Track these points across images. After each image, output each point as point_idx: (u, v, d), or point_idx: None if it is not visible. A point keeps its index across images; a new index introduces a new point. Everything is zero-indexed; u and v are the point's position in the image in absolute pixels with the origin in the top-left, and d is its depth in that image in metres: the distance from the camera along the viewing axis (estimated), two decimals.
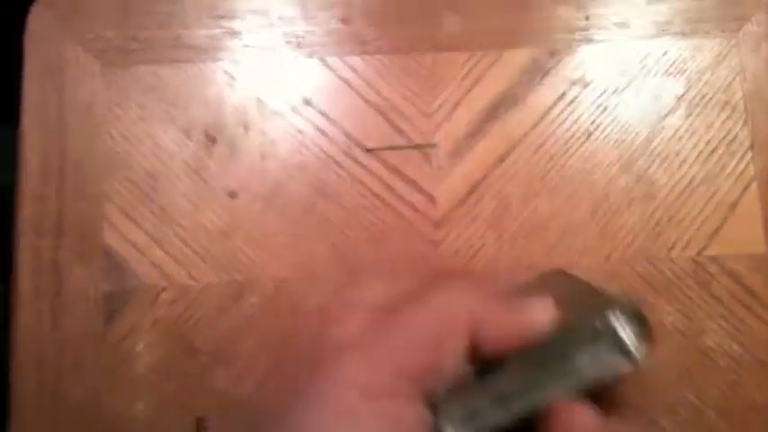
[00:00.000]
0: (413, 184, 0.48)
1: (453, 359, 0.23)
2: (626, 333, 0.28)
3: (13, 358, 0.44)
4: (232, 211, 0.47)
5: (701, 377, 0.46)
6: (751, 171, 0.48)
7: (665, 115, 0.49)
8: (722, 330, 0.47)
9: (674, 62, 0.50)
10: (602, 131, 0.49)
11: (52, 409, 0.44)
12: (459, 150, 0.48)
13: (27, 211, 0.46)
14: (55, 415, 0.44)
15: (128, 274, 0.46)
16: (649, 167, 0.48)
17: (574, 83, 0.49)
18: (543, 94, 0.49)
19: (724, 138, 0.49)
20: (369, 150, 0.47)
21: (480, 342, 0.24)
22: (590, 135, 0.49)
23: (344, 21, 0.50)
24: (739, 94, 0.49)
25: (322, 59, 0.49)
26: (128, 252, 0.46)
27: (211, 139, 0.47)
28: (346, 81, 0.49)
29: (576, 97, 0.49)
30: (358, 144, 0.48)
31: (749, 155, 0.49)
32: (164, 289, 0.46)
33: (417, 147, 0.48)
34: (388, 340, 0.23)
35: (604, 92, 0.49)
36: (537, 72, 0.49)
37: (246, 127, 0.48)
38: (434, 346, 0.23)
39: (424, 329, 0.23)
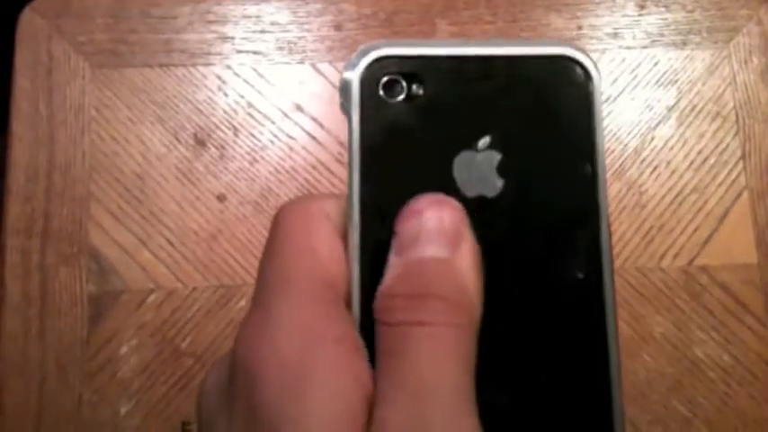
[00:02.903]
0: None
1: (329, 248, 0.21)
2: None
3: None
4: (220, 215, 0.47)
5: (691, 388, 0.46)
6: (742, 181, 0.48)
7: (657, 125, 0.49)
8: (713, 341, 0.46)
9: (665, 72, 0.50)
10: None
11: (36, 412, 0.43)
12: None
13: (14, 212, 0.46)
14: (39, 418, 0.43)
15: (114, 276, 0.45)
16: (640, 177, 0.48)
17: None
18: None
19: (715, 148, 0.49)
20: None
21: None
22: None
23: (337, 27, 0.50)
24: (730, 105, 0.50)
25: (314, 65, 0.49)
26: (115, 254, 0.46)
27: (201, 143, 0.47)
28: (338, 87, 0.49)
29: None
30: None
31: (740, 165, 0.49)
32: (150, 292, 0.45)
33: None
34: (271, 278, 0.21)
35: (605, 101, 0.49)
36: None
37: (236, 131, 0.48)
38: (306, 249, 0.21)
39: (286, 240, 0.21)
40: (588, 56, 0.22)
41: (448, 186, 0.21)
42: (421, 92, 0.21)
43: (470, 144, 0.21)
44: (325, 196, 0.22)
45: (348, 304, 0.21)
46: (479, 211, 0.21)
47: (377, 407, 0.18)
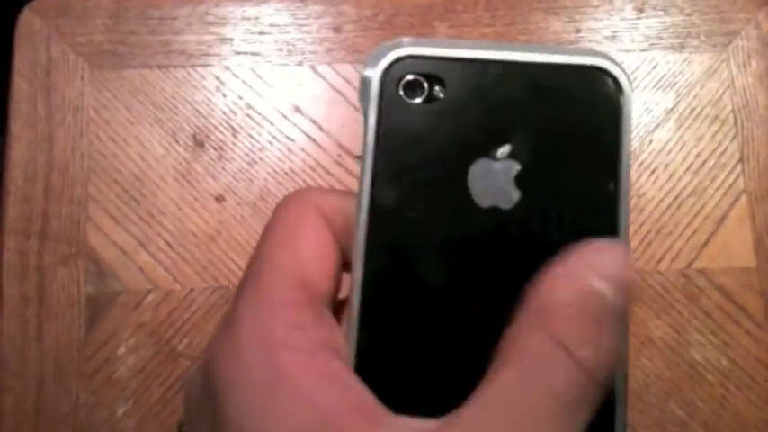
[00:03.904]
0: None
1: (317, 247, 0.21)
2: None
3: None
4: (219, 216, 0.47)
5: (689, 392, 0.46)
6: (740, 184, 0.48)
7: (655, 128, 0.49)
8: (711, 345, 0.46)
9: (663, 76, 0.50)
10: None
11: (34, 412, 0.43)
12: None
13: (12, 213, 0.46)
14: (36, 419, 0.43)
15: (112, 277, 0.45)
16: (638, 180, 0.48)
17: None
18: None
19: (714, 151, 0.49)
20: (358, 158, 0.47)
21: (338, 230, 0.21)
22: None
23: (336, 29, 0.50)
24: (729, 108, 0.50)
25: (313, 67, 0.49)
26: (113, 255, 0.46)
27: (199, 144, 0.47)
28: (337, 89, 0.49)
29: None
30: (347, 152, 0.48)
31: (738, 168, 0.49)
32: (148, 293, 0.45)
33: None
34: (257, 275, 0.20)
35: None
36: None
37: (235, 132, 0.48)
38: (292, 245, 0.20)
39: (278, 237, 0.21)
40: (621, 68, 0.21)
41: (461, 194, 0.20)
42: (442, 94, 0.21)
43: (489, 152, 0.21)
44: (325, 192, 0.22)
45: (333, 302, 0.21)
46: (491, 223, 0.20)
47: (469, 405, 0.17)
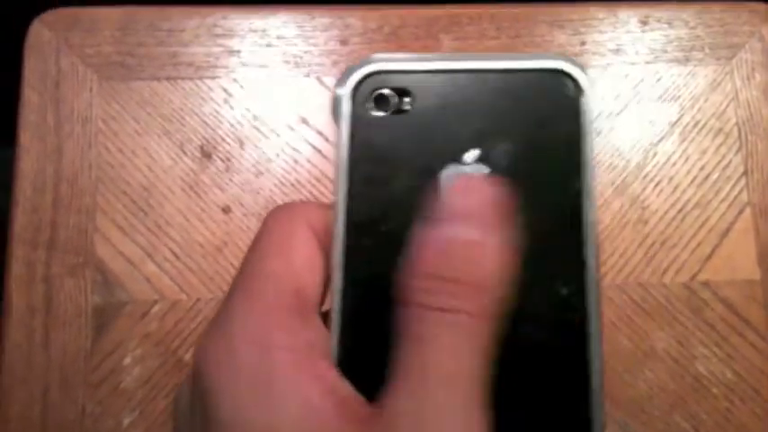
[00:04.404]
0: None
1: (308, 257, 0.22)
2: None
3: (1, 373, 0.44)
4: (225, 227, 0.47)
5: (693, 404, 0.46)
6: (744, 197, 0.49)
7: (659, 140, 0.49)
8: (715, 357, 0.46)
9: (667, 88, 0.50)
10: (596, 155, 0.49)
11: (40, 422, 0.43)
12: None
13: (21, 223, 0.46)
14: (42, 428, 0.43)
15: (119, 287, 0.46)
16: (642, 192, 0.49)
17: None
18: None
19: (718, 164, 0.49)
20: None
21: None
22: None
23: (342, 41, 0.50)
24: (733, 121, 0.50)
25: (319, 79, 0.50)
26: (120, 265, 0.46)
27: (207, 155, 0.48)
28: None
29: None
30: None
31: (743, 181, 0.49)
32: (155, 303, 0.45)
33: None
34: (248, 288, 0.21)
35: (599, 116, 0.50)
36: None
37: (242, 143, 0.48)
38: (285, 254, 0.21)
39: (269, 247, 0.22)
40: (581, 68, 0.21)
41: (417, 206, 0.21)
42: (410, 106, 0.22)
43: (458, 158, 0.21)
44: (311, 205, 0.23)
45: (320, 308, 0.22)
46: None
47: (389, 394, 0.19)
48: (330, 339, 0.21)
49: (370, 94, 0.22)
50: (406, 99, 0.22)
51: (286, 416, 0.19)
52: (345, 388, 0.20)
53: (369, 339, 0.21)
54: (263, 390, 0.19)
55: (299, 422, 0.18)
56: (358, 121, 0.22)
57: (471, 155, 0.21)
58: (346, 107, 0.22)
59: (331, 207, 0.22)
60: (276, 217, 0.22)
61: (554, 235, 0.21)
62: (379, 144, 0.22)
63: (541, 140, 0.21)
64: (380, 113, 0.22)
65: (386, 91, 0.22)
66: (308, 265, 0.21)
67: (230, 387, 0.19)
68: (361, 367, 0.21)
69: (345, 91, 0.22)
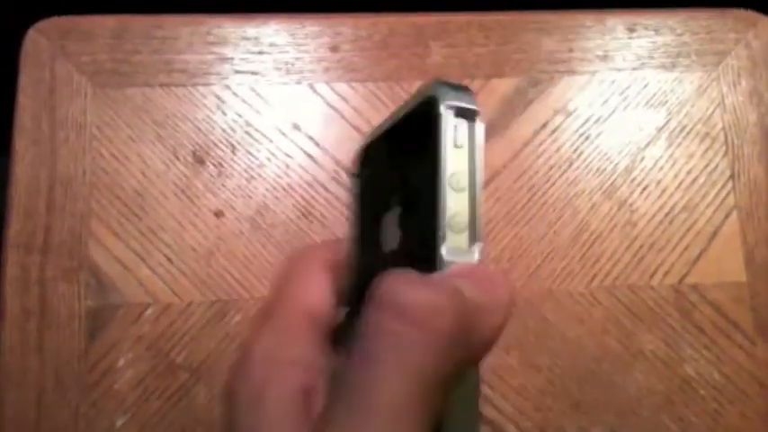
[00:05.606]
0: None
1: (320, 296, 0.25)
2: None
3: None
4: (218, 231, 0.47)
5: (682, 406, 0.46)
6: (731, 200, 0.49)
7: (646, 145, 0.50)
8: (703, 359, 0.47)
9: (654, 94, 0.51)
10: (584, 160, 0.50)
11: (35, 424, 0.44)
12: None
13: (15, 227, 0.47)
14: (37, 430, 0.44)
15: (113, 291, 0.46)
16: (630, 196, 0.49)
17: (556, 112, 0.50)
18: (526, 123, 0.50)
19: (705, 168, 0.50)
20: (353, 175, 0.48)
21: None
22: (572, 163, 0.49)
23: (333, 49, 0.51)
24: (719, 126, 0.50)
25: (311, 86, 0.50)
26: (113, 269, 0.46)
27: (199, 160, 0.48)
28: (334, 107, 0.50)
29: (558, 126, 0.50)
30: (345, 169, 0.49)
31: (729, 184, 0.49)
32: (148, 306, 0.46)
33: None
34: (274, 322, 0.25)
35: (587, 121, 0.50)
36: (520, 101, 0.50)
37: (234, 149, 0.49)
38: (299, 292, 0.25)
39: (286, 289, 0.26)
40: (444, 84, 0.22)
41: (376, 248, 0.25)
42: (368, 171, 0.27)
43: (389, 206, 0.24)
44: (328, 245, 0.28)
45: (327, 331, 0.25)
46: (389, 263, 0.22)
47: (326, 407, 0.21)
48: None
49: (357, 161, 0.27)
50: (365, 165, 0.27)
51: (266, 420, 0.22)
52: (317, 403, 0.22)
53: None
54: (259, 403, 0.22)
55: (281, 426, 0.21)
56: (355, 180, 0.27)
57: (393, 200, 0.24)
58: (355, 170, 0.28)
59: (338, 243, 0.27)
60: (301, 255, 0.27)
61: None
62: (357, 201, 0.27)
63: (421, 166, 0.23)
64: (357, 176, 0.27)
65: (360, 159, 0.27)
66: (320, 294, 0.25)
67: (234, 402, 0.23)
68: None
69: (354, 160, 0.27)
